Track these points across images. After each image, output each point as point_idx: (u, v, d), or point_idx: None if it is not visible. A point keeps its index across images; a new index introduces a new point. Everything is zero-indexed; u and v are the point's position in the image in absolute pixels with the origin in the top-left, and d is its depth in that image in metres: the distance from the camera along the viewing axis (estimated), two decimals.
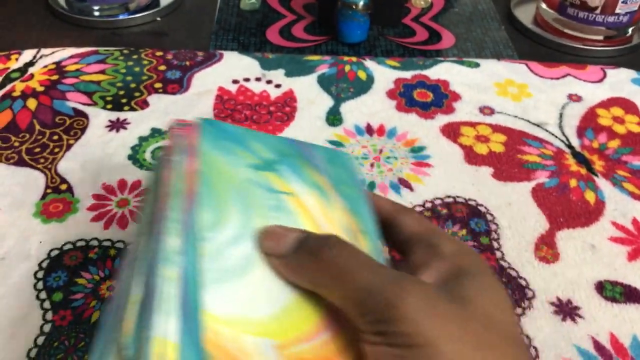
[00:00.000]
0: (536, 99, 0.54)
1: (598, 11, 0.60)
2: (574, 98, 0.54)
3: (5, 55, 0.55)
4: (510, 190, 0.44)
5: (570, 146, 0.49)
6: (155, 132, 0.48)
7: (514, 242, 0.40)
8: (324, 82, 0.54)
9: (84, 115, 0.49)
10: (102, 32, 0.61)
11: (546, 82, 0.56)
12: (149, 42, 0.60)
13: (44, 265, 0.37)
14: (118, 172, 0.44)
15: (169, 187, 0.21)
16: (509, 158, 0.47)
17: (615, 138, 0.50)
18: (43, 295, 0.35)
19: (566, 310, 0.36)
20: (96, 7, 0.63)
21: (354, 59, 0.58)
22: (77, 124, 0.48)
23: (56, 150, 0.46)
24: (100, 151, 0.46)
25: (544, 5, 0.65)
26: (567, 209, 0.43)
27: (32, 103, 0.50)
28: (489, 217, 0.42)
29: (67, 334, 0.33)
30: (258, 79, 0.54)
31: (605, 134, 0.50)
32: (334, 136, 0.48)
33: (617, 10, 0.60)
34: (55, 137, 0.47)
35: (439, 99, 0.53)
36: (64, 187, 0.42)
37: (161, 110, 0.50)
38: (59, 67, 0.54)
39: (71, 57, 0.55)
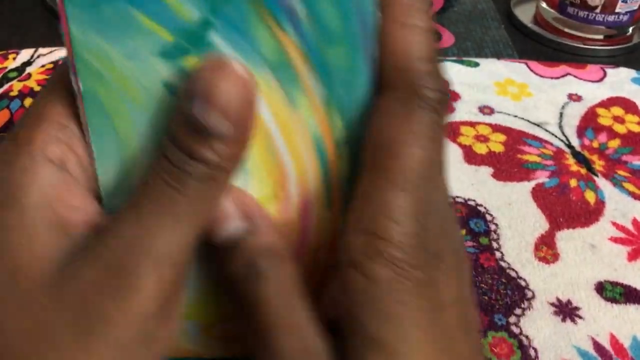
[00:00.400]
0: (536, 99, 0.54)
1: (598, 10, 0.60)
2: (574, 97, 0.54)
3: (3, 55, 0.55)
4: (510, 190, 0.44)
5: (570, 146, 0.49)
6: None
7: (513, 242, 0.40)
8: None
9: None
10: None
11: (546, 81, 0.56)
12: None
13: None
14: None
15: None
16: (509, 158, 0.47)
17: (615, 138, 0.50)
18: None
19: (566, 310, 0.36)
20: None
21: None
22: None
23: None
24: None
25: (544, 5, 0.65)
26: (567, 209, 0.43)
27: (29, 103, 0.50)
28: (488, 217, 0.42)
29: None
30: None
31: (605, 134, 0.50)
32: None
33: (617, 10, 0.60)
34: None
35: None
36: None
37: None
38: (56, 67, 0.54)
39: None
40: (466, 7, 0.69)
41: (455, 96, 0.53)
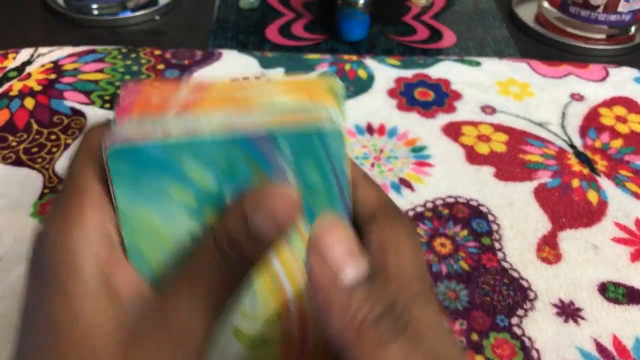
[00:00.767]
0: (538, 98, 0.53)
1: (600, 10, 0.60)
2: (577, 97, 0.54)
3: (3, 54, 0.55)
4: (512, 191, 0.44)
5: (572, 146, 0.48)
6: None
7: (515, 242, 0.40)
8: None
9: (82, 115, 0.49)
10: (100, 31, 0.61)
11: (548, 81, 0.56)
12: (148, 40, 0.59)
13: None
14: None
15: None
16: (511, 158, 0.47)
17: (617, 137, 0.49)
18: None
19: (568, 311, 0.36)
20: (94, 6, 0.62)
21: (354, 57, 0.57)
22: (74, 124, 0.48)
23: (54, 150, 0.45)
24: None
25: (545, 4, 0.64)
26: (569, 209, 0.42)
27: (29, 102, 0.50)
28: (490, 218, 0.41)
29: None
30: (257, 78, 0.54)
31: (607, 134, 0.50)
32: None
33: (620, 9, 0.60)
34: (53, 137, 0.46)
35: (440, 98, 0.53)
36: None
37: None
38: (56, 66, 0.54)
39: (69, 56, 0.55)
40: (468, 6, 0.69)
41: (457, 96, 0.53)
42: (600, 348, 0.34)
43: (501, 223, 0.41)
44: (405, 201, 0.42)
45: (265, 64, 0.56)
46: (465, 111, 0.51)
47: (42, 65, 0.54)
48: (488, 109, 0.52)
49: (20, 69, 0.53)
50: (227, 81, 0.22)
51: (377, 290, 0.16)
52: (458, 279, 0.37)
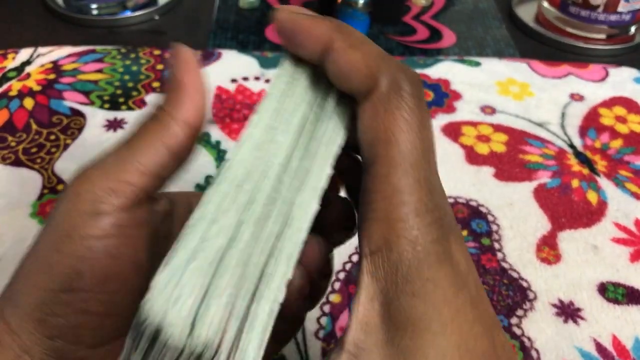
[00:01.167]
0: (538, 98, 0.53)
1: (600, 10, 0.60)
2: (576, 97, 0.54)
3: (2, 54, 0.55)
4: (512, 191, 0.44)
5: (572, 146, 0.48)
6: None
7: (515, 243, 0.40)
8: None
9: (81, 115, 0.49)
10: (100, 31, 0.61)
11: (548, 81, 0.56)
12: (147, 40, 0.59)
13: None
14: None
15: None
16: (511, 158, 0.47)
17: (617, 138, 0.49)
18: None
19: (568, 311, 0.36)
20: (94, 6, 0.62)
21: None
22: (74, 124, 0.48)
23: (53, 150, 0.45)
24: (97, 151, 0.45)
25: (545, 4, 0.64)
26: (569, 209, 0.42)
27: (29, 102, 0.50)
28: (490, 218, 0.41)
29: None
30: (257, 78, 0.54)
31: (607, 134, 0.50)
32: None
33: (619, 9, 0.60)
34: (52, 137, 0.46)
35: (440, 98, 0.53)
36: (61, 187, 0.42)
37: None
38: (56, 66, 0.54)
39: (68, 56, 0.55)
40: (467, 6, 0.69)
41: (457, 96, 0.53)
42: (600, 348, 0.34)
43: (501, 223, 0.41)
44: None
45: (265, 64, 0.55)
46: (464, 111, 0.51)
47: (42, 65, 0.54)
48: (488, 109, 0.52)
49: (19, 69, 0.53)
50: None
51: None
52: None
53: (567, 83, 0.55)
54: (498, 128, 0.50)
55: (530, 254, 0.39)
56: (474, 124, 0.50)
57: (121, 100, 0.50)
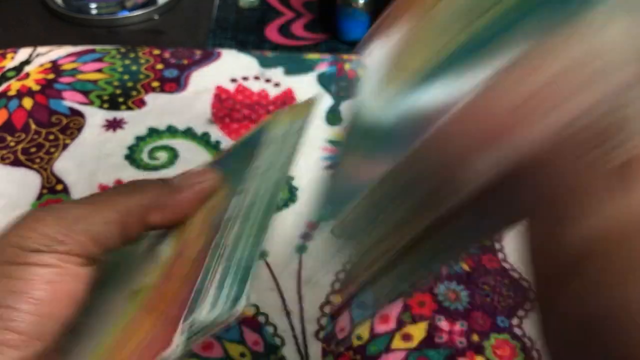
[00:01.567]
0: None
1: None
2: None
3: (1, 54, 0.55)
4: None
5: None
6: (153, 132, 0.47)
7: (516, 242, 0.40)
8: (324, 81, 0.54)
9: (81, 115, 0.48)
10: (99, 30, 0.61)
11: None
12: (147, 40, 0.59)
13: None
14: (115, 172, 0.43)
15: None
16: None
17: None
18: None
19: None
20: (93, 5, 0.62)
21: (354, 57, 0.57)
22: (73, 124, 0.48)
23: (52, 150, 0.45)
24: (96, 151, 0.45)
25: None
26: None
27: (28, 102, 0.49)
28: None
29: None
30: (257, 78, 0.54)
31: None
32: (334, 135, 0.48)
33: None
34: (52, 137, 0.46)
35: None
36: (59, 187, 0.42)
37: (158, 109, 0.49)
38: (55, 66, 0.53)
39: (67, 55, 0.55)
40: None
41: None
42: None
43: None
44: None
45: (265, 63, 0.55)
46: None
47: (41, 65, 0.53)
48: None
49: (18, 68, 0.53)
50: None
51: None
52: (458, 279, 0.37)
53: None
54: None
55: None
56: None
57: (120, 100, 0.50)
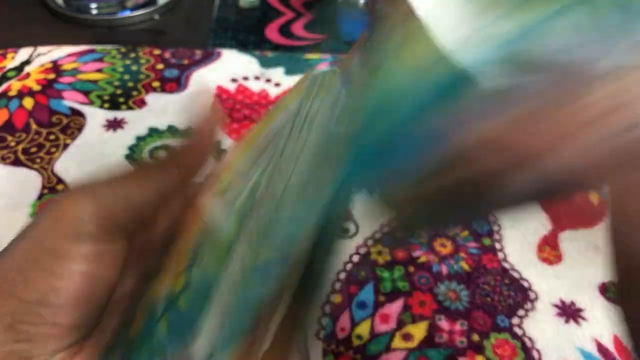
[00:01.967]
0: None
1: None
2: None
3: (2, 54, 0.55)
4: None
5: None
6: (153, 132, 0.47)
7: (516, 243, 0.40)
8: None
9: (81, 115, 0.49)
10: (100, 30, 0.61)
11: None
12: (147, 40, 0.59)
13: None
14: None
15: None
16: None
17: None
18: None
19: (569, 312, 0.36)
20: (94, 5, 0.62)
21: None
22: (73, 124, 0.48)
23: (53, 150, 0.45)
24: (97, 151, 0.45)
25: None
26: (570, 209, 0.42)
27: (28, 102, 0.49)
28: (491, 218, 0.41)
29: None
30: (257, 78, 0.54)
31: None
32: None
33: None
34: (52, 137, 0.46)
35: None
36: (60, 187, 0.42)
37: (159, 109, 0.50)
38: (55, 66, 0.53)
39: (68, 55, 0.55)
40: None
41: None
42: (601, 348, 0.34)
43: (502, 223, 0.41)
44: None
45: (265, 63, 0.55)
46: None
47: (41, 65, 0.53)
48: None
49: (19, 68, 0.53)
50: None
51: None
52: (459, 279, 0.37)
53: None
54: None
55: (531, 254, 0.39)
56: None
57: (121, 99, 0.50)
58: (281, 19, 0.64)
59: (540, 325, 0.35)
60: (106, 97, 0.50)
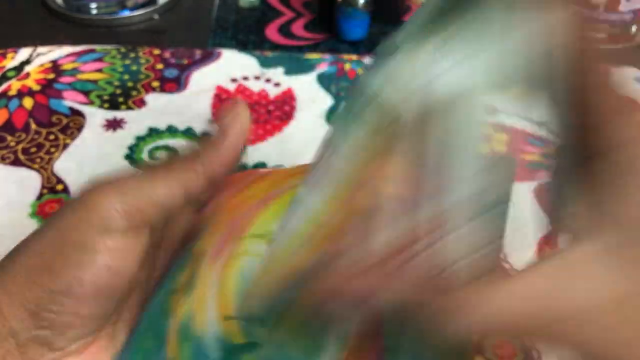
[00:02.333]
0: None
1: (601, 9, 0.60)
2: None
3: (1, 54, 0.55)
4: (513, 191, 0.43)
5: None
6: (153, 132, 0.47)
7: (516, 243, 0.40)
8: (324, 81, 0.54)
9: (81, 115, 0.49)
10: (99, 30, 0.61)
11: None
12: (147, 40, 0.59)
13: None
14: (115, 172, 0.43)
15: None
16: None
17: None
18: None
19: None
20: (93, 5, 0.62)
21: (354, 57, 0.57)
22: (73, 123, 0.48)
23: (52, 150, 0.45)
24: (97, 151, 0.45)
25: None
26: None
27: (28, 102, 0.49)
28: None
29: None
30: (257, 78, 0.54)
31: None
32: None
33: (621, 8, 0.59)
34: (52, 137, 0.46)
35: None
36: (60, 187, 0.42)
37: (159, 109, 0.50)
38: (55, 66, 0.53)
39: (68, 55, 0.55)
40: None
41: None
42: None
43: None
44: None
45: (265, 63, 0.55)
46: None
47: (41, 65, 0.53)
48: (488, 108, 0.52)
49: (19, 68, 0.53)
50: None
51: None
52: None
53: None
54: (499, 128, 0.49)
55: (531, 254, 0.39)
56: None
57: (121, 100, 0.50)
58: (281, 19, 0.64)
59: None
60: (106, 97, 0.50)
